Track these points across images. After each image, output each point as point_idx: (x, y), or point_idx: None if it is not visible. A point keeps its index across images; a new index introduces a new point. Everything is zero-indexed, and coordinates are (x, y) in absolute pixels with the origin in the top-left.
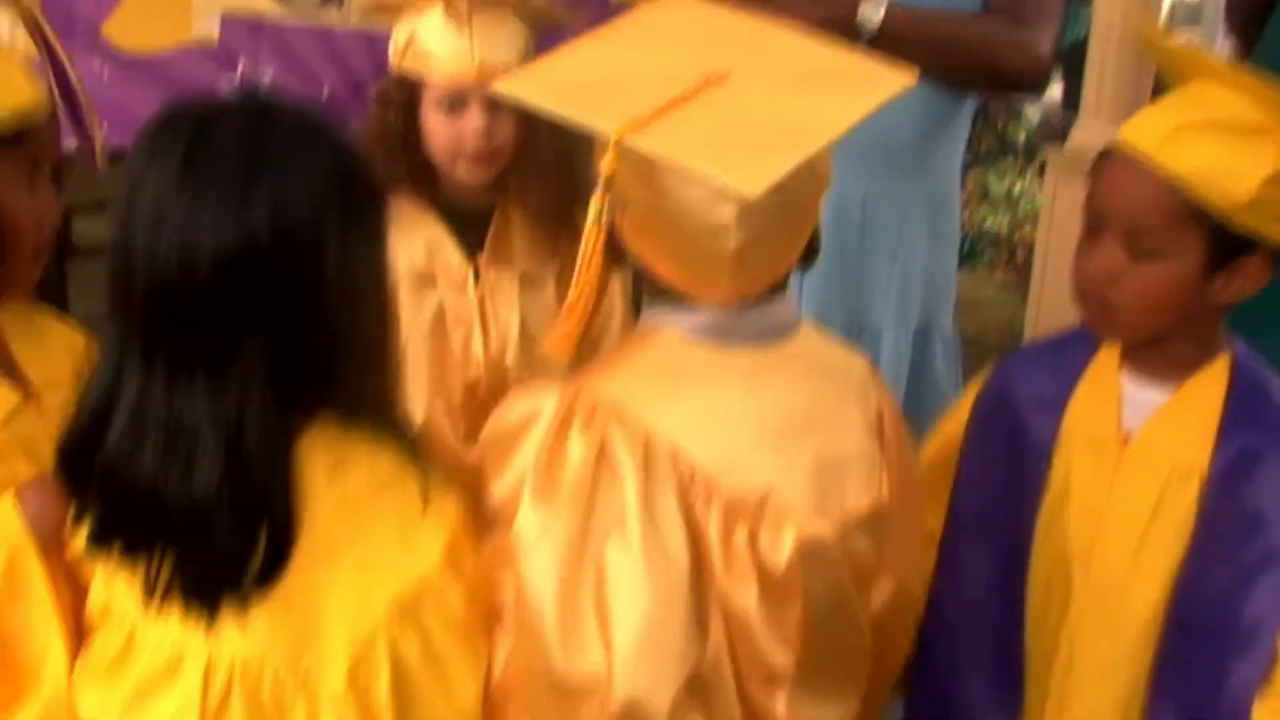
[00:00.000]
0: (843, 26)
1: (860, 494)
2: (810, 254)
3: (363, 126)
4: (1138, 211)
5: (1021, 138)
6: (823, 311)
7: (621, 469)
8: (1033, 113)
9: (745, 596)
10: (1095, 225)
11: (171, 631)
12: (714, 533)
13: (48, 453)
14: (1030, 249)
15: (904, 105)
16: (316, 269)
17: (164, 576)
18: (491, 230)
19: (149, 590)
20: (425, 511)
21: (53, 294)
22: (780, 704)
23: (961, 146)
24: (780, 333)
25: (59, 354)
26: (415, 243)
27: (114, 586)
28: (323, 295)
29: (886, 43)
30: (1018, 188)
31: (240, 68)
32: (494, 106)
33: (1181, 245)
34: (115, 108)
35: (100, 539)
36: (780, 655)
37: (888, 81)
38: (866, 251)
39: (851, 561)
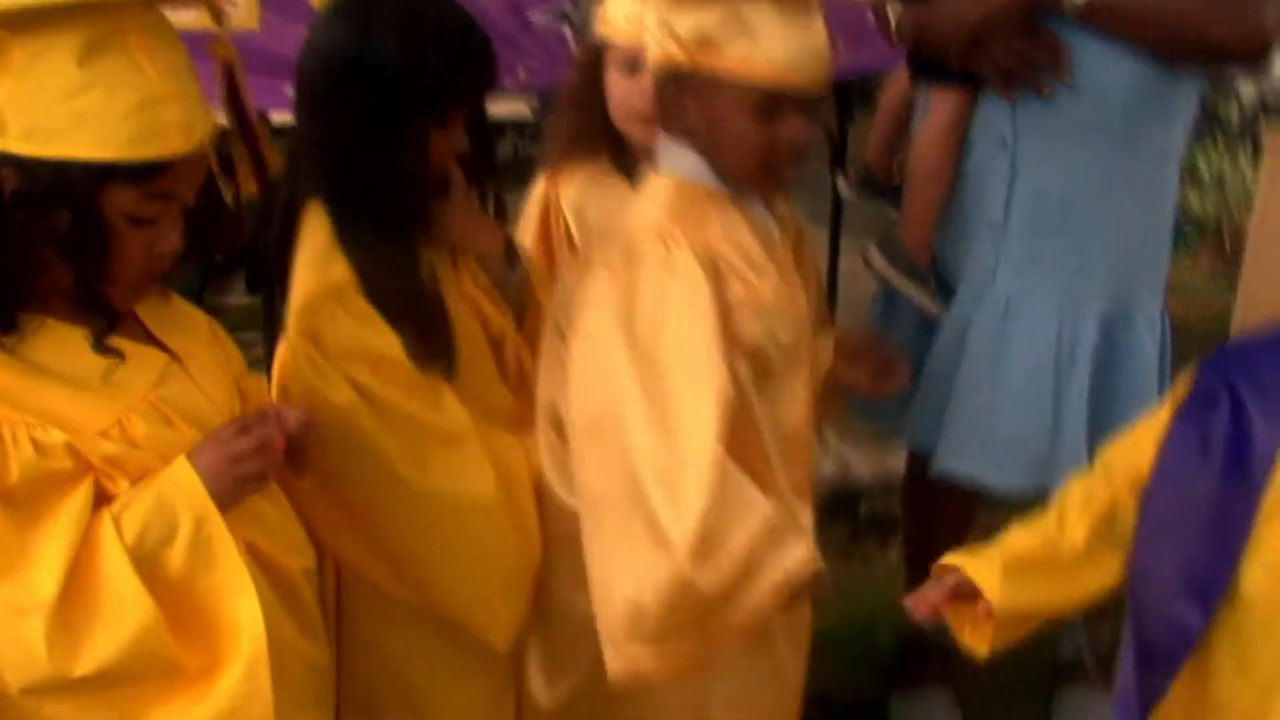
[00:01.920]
0: (1044, 1)
1: None
2: None
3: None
4: None
5: (1235, 115)
6: (1016, 283)
7: None
8: (1248, 89)
9: None
10: None
11: None
12: None
13: (204, 411)
14: (1236, 234)
15: (1111, 82)
16: None
17: None
18: None
19: None
20: None
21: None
22: None
23: (1182, 128)
24: None
25: (193, 328)
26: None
27: None
28: None
29: (1093, 16)
30: (1228, 169)
31: None
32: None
33: None
34: None
35: None
36: None
37: None
38: (1066, 229)
39: None
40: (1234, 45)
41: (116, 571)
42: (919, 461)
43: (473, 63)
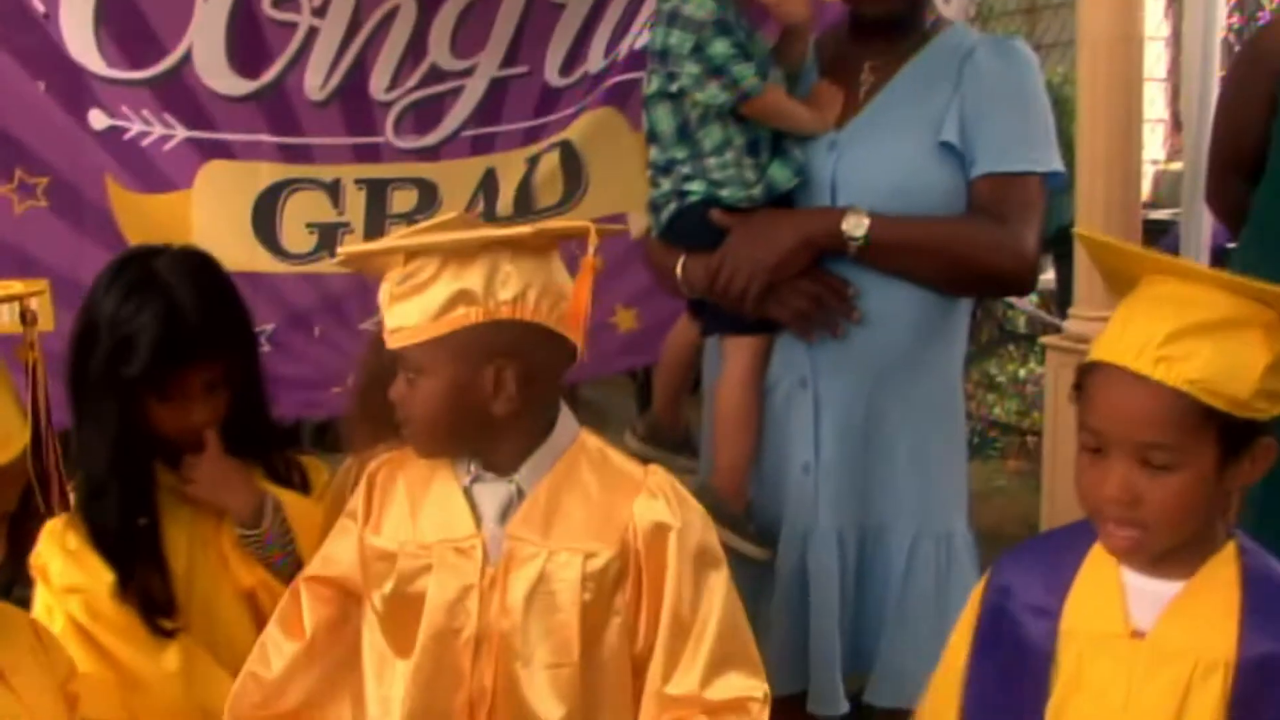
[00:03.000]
0: (828, 241)
1: None
2: None
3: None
4: (1146, 428)
5: (1021, 324)
6: (837, 517)
7: None
8: (1029, 299)
9: None
10: (1099, 446)
11: None
12: None
13: None
14: (1039, 435)
15: (897, 311)
16: None
17: None
18: None
19: None
20: None
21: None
22: None
23: (962, 348)
24: None
25: (15, 636)
26: None
27: None
28: None
29: (874, 253)
30: (1022, 374)
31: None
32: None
33: (1197, 450)
34: None
35: None
36: None
37: None
38: (874, 458)
39: None
40: (1010, 274)
41: None
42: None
43: (169, 341)
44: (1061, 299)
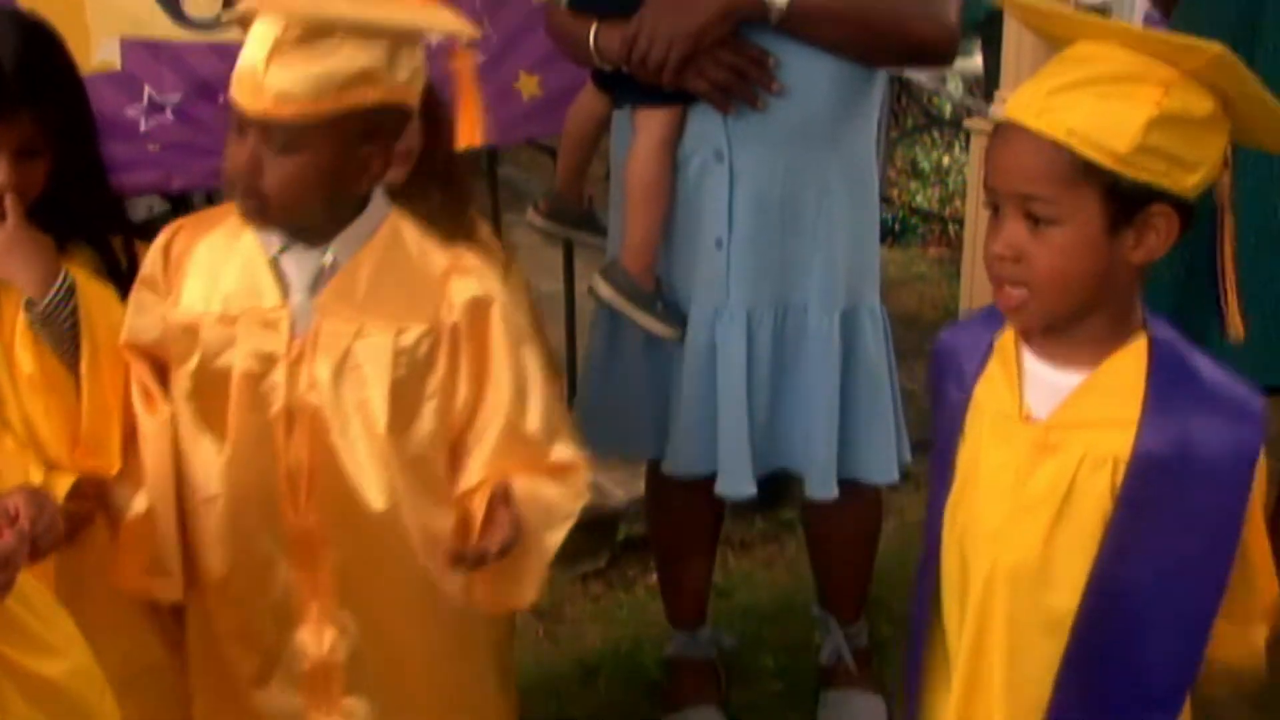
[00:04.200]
0: (750, 10)
1: None
2: None
3: None
4: (1027, 180)
5: (947, 110)
6: (750, 293)
7: None
8: (955, 86)
9: None
10: (995, 205)
11: None
12: None
13: None
14: (962, 223)
15: (816, 83)
16: None
17: None
18: None
19: None
20: None
21: None
22: None
23: (875, 122)
24: None
25: None
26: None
27: None
28: None
29: (796, 22)
30: (946, 161)
31: (146, 93)
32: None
33: (1077, 206)
34: None
35: None
36: None
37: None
38: (788, 232)
39: None
40: (932, 42)
41: None
42: (659, 477)
43: None
44: (988, 86)
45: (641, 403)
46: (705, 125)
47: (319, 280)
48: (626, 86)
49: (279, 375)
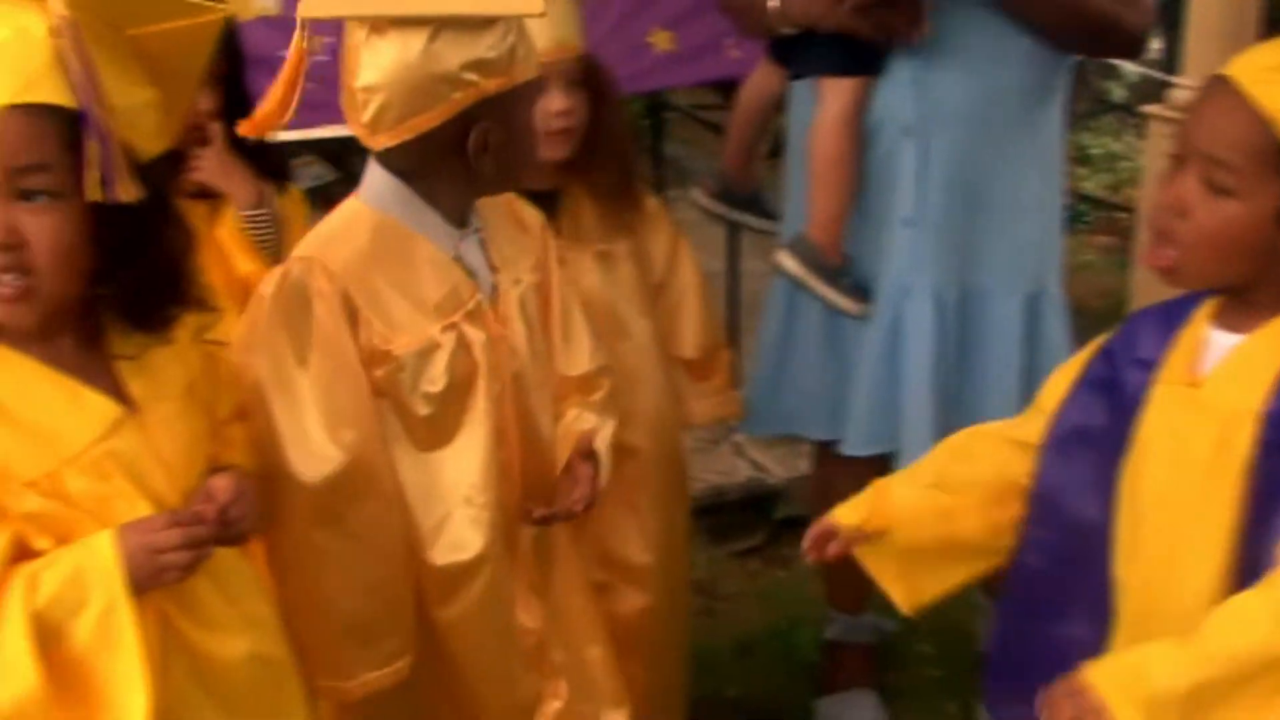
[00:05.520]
0: None
1: None
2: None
3: None
4: (1222, 144)
5: (1119, 96)
6: (938, 273)
7: None
8: (1129, 70)
9: None
10: (1180, 154)
11: None
12: None
13: (151, 474)
14: (1132, 211)
15: (1007, 66)
16: None
17: None
18: (565, 211)
19: None
20: None
21: None
22: None
23: (1061, 107)
24: None
25: (171, 373)
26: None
27: None
28: None
29: (1015, 3)
30: (1116, 147)
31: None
32: (571, 86)
33: (1259, 187)
34: None
35: None
36: None
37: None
38: (977, 211)
39: None
40: (1137, 33)
41: (12, 633)
42: (828, 455)
43: None
44: (1168, 68)
45: (817, 383)
46: (893, 99)
47: (486, 255)
48: (811, 56)
49: (498, 357)
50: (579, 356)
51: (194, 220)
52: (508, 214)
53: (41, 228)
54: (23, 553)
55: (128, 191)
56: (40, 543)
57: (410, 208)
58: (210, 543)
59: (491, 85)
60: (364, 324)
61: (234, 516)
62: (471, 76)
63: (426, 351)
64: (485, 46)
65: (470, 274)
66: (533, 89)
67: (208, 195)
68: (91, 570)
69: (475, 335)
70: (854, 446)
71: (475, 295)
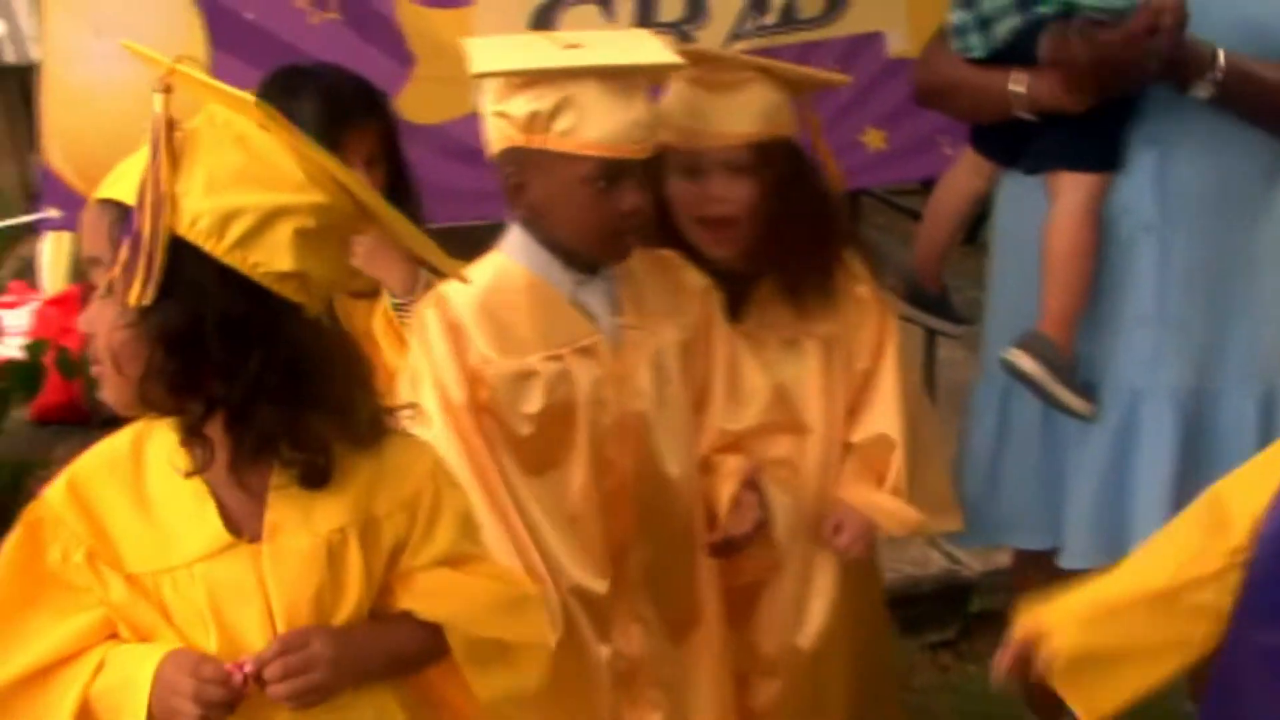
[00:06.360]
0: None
1: None
2: None
3: None
4: None
5: None
6: (1175, 374)
7: None
8: None
9: None
10: None
11: None
12: None
13: (234, 607)
14: None
15: (1243, 151)
16: None
17: None
18: (754, 297)
19: None
20: None
21: None
22: None
23: None
24: None
25: (323, 510)
26: None
27: None
28: None
29: (1228, 99)
30: None
31: None
32: (737, 173)
33: None
34: None
35: None
36: None
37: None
38: (1216, 310)
39: None
40: None
41: (67, 699)
42: (1033, 560)
43: (329, 109)
44: None
45: (1033, 492)
46: (1131, 192)
47: (613, 301)
48: (1048, 148)
49: (608, 392)
50: (745, 411)
51: (356, 318)
52: (665, 273)
53: (98, 320)
54: (112, 632)
55: (134, 294)
56: (123, 630)
57: (529, 252)
58: (224, 705)
59: (520, 139)
60: (469, 348)
61: (271, 676)
62: (500, 123)
63: (522, 376)
64: (518, 104)
65: (589, 315)
66: (589, 164)
67: (365, 294)
68: (134, 684)
69: (584, 369)
70: (1074, 559)
71: (593, 334)
